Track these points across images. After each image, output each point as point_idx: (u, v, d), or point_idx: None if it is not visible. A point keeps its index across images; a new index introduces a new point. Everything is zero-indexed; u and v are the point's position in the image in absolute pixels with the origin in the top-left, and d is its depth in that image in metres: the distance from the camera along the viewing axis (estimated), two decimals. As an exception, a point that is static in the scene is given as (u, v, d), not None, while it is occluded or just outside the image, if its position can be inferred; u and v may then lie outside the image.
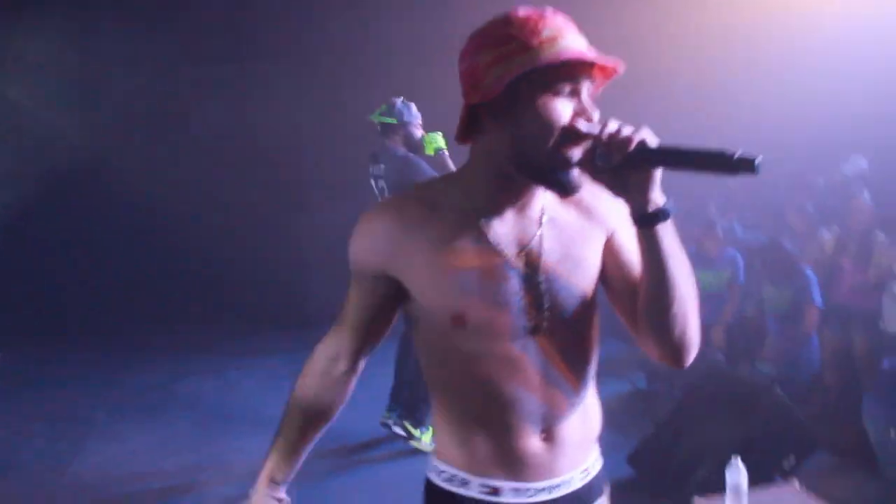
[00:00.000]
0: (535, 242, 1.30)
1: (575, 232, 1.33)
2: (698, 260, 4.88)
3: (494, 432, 1.34)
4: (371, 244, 1.31)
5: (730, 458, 2.37)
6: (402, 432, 4.10)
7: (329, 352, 1.43)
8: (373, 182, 4.22)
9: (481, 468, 1.35)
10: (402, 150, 4.08)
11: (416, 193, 1.35)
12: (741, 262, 5.03)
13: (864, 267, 4.72)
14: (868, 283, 4.58)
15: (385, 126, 4.11)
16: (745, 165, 1.07)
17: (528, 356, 1.31)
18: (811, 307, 4.46)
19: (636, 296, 1.31)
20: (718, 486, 2.41)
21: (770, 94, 6.83)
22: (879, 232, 4.75)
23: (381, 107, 4.15)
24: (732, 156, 1.08)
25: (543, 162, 1.21)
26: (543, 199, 1.31)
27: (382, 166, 4.10)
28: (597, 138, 1.17)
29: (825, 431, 3.62)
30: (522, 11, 1.19)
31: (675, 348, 1.29)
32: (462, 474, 1.36)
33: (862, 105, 6.46)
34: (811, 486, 2.70)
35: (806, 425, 3.36)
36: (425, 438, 4.07)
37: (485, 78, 1.19)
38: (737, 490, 2.34)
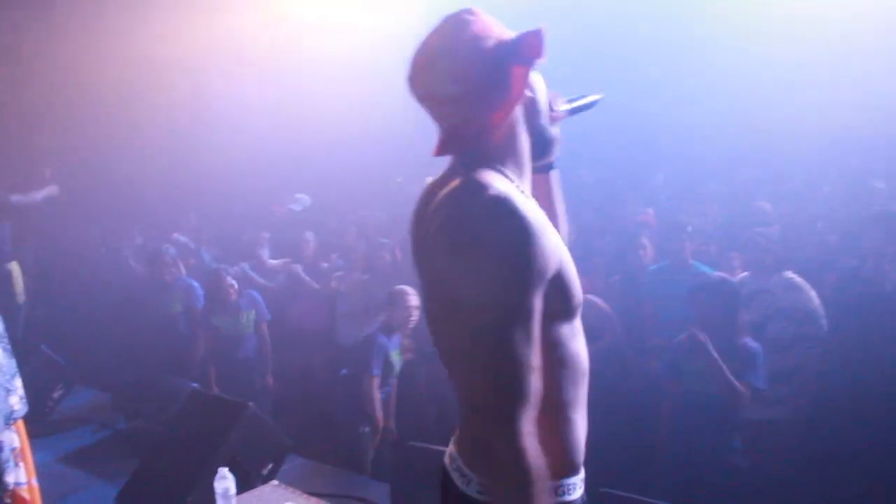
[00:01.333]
0: None
1: None
2: (224, 308, 5.07)
3: (583, 419, 1.31)
4: (551, 239, 1.18)
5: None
6: None
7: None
8: None
9: (577, 465, 1.31)
10: None
11: (500, 181, 1.22)
12: (261, 300, 5.26)
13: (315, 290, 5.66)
14: (321, 304, 5.49)
15: None
16: (594, 104, 1.56)
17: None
18: (262, 324, 5.15)
19: None
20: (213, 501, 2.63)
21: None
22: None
23: None
24: (585, 97, 1.56)
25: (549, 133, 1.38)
26: None
27: None
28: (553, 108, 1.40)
29: (299, 438, 4.15)
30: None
31: None
32: (570, 481, 1.29)
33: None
34: (290, 483, 3.12)
35: (279, 435, 3.81)
36: None
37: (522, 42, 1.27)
38: (226, 496, 2.59)
